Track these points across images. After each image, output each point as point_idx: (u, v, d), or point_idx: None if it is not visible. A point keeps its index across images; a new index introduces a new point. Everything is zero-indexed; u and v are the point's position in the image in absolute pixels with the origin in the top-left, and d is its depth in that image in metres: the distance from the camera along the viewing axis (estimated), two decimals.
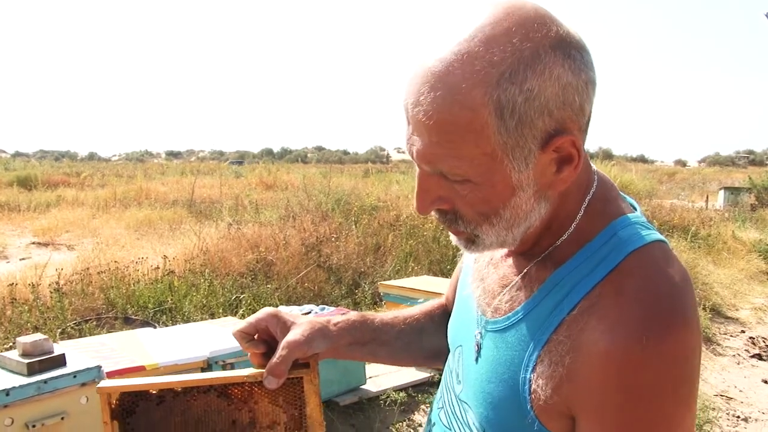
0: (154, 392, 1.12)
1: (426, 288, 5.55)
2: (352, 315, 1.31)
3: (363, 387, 5.08)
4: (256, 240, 8.67)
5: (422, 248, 9.48)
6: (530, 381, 0.98)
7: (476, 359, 1.11)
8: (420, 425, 4.77)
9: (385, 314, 1.40)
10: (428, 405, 4.88)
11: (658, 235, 1.01)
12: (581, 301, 0.95)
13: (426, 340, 1.38)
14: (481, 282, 1.17)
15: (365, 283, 8.22)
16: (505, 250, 1.14)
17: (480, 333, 1.11)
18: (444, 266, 9.24)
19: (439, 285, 5.70)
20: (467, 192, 0.96)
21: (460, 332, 1.22)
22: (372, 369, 5.49)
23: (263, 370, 1.11)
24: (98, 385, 1.10)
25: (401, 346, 1.38)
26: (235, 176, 23.87)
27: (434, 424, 1.24)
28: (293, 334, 1.14)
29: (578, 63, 0.91)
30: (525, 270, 1.07)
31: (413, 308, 1.46)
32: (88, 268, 7.33)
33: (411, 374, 5.40)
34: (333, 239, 8.91)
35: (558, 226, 1.04)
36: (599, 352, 0.90)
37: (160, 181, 21.68)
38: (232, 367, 4.09)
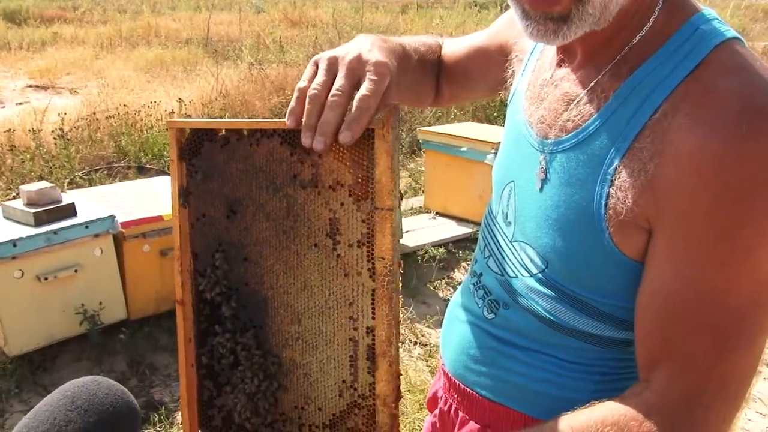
0: (221, 133, 1.15)
1: (470, 135, 5.51)
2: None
3: (399, 242, 5.12)
4: (281, 82, 8.63)
5: None
6: (608, 195, 1.00)
7: (541, 187, 1.12)
8: (460, 283, 4.80)
9: (405, 41, 1.36)
10: (469, 262, 4.93)
11: (736, 33, 1.02)
12: (664, 103, 0.96)
13: (426, 79, 1.47)
14: (540, 103, 1.17)
15: (402, 129, 8.22)
16: (563, 73, 1.14)
17: (545, 157, 1.12)
18: (490, 113, 9.18)
19: (485, 132, 5.65)
20: None
21: (512, 167, 1.23)
22: (409, 223, 5.53)
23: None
24: (169, 120, 1.17)
25: (410, 80, 1.37)
26: (256, 12, 23.40)
27: (481, 274, 1.30)
28: (379, 72, 1.04)
29: None
30: (594, 81, 1.07)
31: (415, 40, 1.43)
32: (94, 113, 7.39)
33: (451, 229, 5.47)
34: None
35: (634, 20, 1.04)
36: (690, 149, 0.92)
37: (171, 17, 21.32)
38: None
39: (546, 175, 1.12)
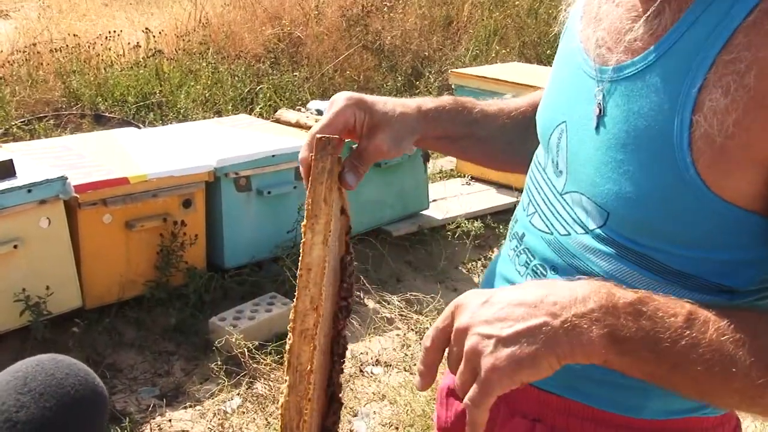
0: None
1: (515, 79, 5.50)
2: (447, 101, 1.47)
3: (424, 213, 5.14)
4: (276, 9, 8.65)
5: (512, 24, 9.40)
6: (692, 124, 1.02)
7: (597, 125, 1.17)
8: None
9: (488, 104, 1.54)
10: None
11: None
12: (763, 1, 0.97)
13: (532, 139, 1.48)
14: (598, 24, 1.20)
15: (430, 71, 8.23)
16: None
17: (603, 88, 1.16)
18: (541, 50, 9.20)
19: (534, 75, 5.63)
20: None
21: (562, 105, 1.29)
22: (436, 190, 5.49)
23: None
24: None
25: (500, 146, 1.56)
26: None
27: (523, 235, 1.35)
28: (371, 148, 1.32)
29: None
30: None
31: (521, 99, 1.59)
32: (34, 44, 7.35)
33: (489, 198, 5.46)
34: (385, 9, 8.86)
35: None
36: None
37: None
38: (248, 180, 4.12)
39: (602, 110, 1.16)
